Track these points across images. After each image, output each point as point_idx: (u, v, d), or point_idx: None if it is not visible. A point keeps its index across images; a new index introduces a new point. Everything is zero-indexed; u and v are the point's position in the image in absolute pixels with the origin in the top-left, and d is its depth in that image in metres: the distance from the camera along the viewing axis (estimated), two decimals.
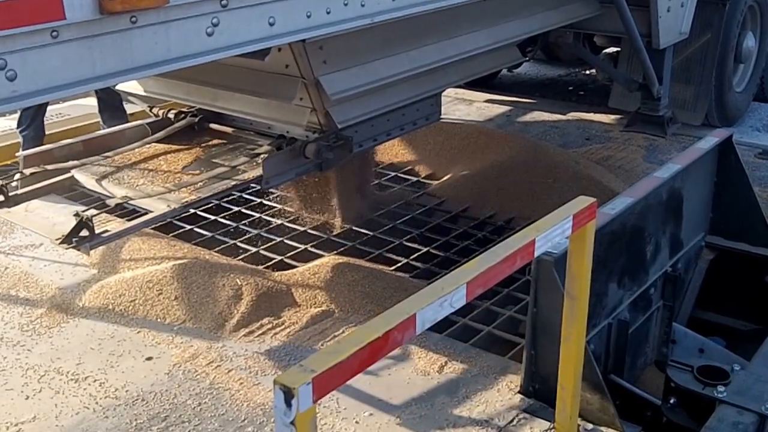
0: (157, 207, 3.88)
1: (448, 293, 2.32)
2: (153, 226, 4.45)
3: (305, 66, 3.93)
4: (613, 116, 7.43)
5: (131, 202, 4.03)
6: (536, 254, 2.66)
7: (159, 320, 4.17)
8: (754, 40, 7.53)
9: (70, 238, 3.56)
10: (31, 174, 4.21)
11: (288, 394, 1.87)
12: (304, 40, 3.59)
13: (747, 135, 7.12)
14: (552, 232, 2.69)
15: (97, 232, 3.60)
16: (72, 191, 5.11)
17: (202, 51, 3.11)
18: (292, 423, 1.88)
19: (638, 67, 6.60)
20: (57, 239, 3.59)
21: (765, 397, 3.20)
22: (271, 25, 3.31)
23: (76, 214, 3.58)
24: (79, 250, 3.67)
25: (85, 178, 4.27)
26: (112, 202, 4.02)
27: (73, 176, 4.30)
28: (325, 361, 1.97)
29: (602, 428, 3.30)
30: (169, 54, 3.01)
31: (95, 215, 3.68)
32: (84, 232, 3.56)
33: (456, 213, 5.54)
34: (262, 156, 4.15)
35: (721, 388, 3.24)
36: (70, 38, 2.71)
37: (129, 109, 6.38)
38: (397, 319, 2.17)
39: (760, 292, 4.47)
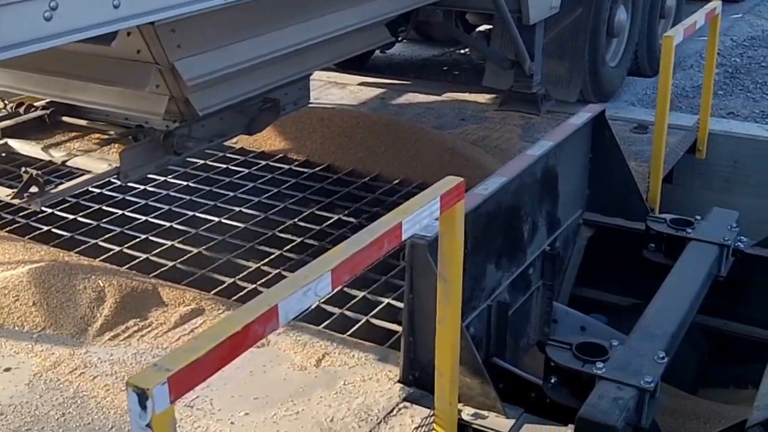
0: (97, 167, 3.93)
1: (312, 281, 2.24)
2: (7, 229, 4.20)
3: (158, 51, 3.74)
4: (488, 96, 7.38)
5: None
6: (404, 237, 2.60)
7: (17, 328, 3.93)
8: (626, 13, 7.53)
9: (21, 194, 3.62)
10: None
11: (142, 396, 1.80)
12: (153, 23, 3.42)
13: (623, 110, 7.15)
14: (419, 214, 2.63)
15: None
16: None
17: (40, 37, 2.91)
18: (148, 426, 1.82)
19: (511, 44, 6.54)
20: (8, 195, 3.66)
21: (643, 371, 3.21)
22: (116, 7, 3.12)
23: (25, 171, 3.63)
24: (29, 206, 3.79)
25: (20, 145, 4.25)
26: (58, 160, 4.09)
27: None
28: (181, 359, 1.89)
29: (484, 412, 3.26)
30: (2, 41, 2.80)
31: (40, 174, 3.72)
32: (33, 189, 3.62)
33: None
34: (118, 148, 3.99)
35: (600, 365, 3.24)
36: None
37: None
38: (257, 312, 2.09)
39: (639, 266, 4.51)
